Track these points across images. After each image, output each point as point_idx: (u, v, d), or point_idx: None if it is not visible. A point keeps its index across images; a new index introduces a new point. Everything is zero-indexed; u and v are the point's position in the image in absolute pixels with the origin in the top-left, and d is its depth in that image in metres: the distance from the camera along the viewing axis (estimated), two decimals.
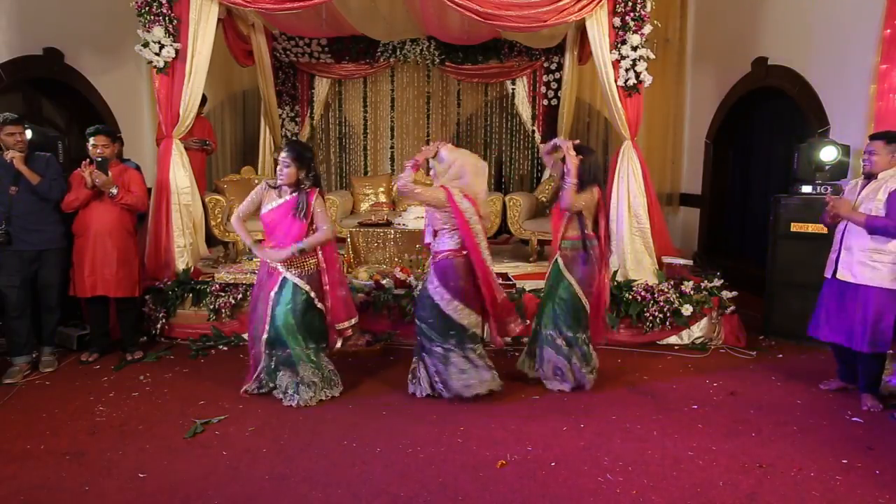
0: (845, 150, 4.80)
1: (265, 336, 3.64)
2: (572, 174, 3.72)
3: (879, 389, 3.82)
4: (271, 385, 3.75)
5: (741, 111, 6.78)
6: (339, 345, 3.85)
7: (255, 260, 5.24)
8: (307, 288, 3.64)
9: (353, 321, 3.90)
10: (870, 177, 3.75)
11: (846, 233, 3.75)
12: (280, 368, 3.69)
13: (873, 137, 3.77)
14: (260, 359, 3.72)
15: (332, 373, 3.83)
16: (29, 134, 4.37)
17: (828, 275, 3.88)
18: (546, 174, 7.34)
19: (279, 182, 3.61)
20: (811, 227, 4.76)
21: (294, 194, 3.62)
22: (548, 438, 3.30)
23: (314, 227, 3.65)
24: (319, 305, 3.71)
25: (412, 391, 3.80)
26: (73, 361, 4.40)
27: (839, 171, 4.84)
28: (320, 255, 3.71)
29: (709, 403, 3.80)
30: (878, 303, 3.61)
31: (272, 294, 3.62)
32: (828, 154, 4.79)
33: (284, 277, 3.60)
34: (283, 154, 3.57)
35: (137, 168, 5.32)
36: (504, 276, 5.13)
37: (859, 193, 3.77)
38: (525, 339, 4.28)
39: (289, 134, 7.48)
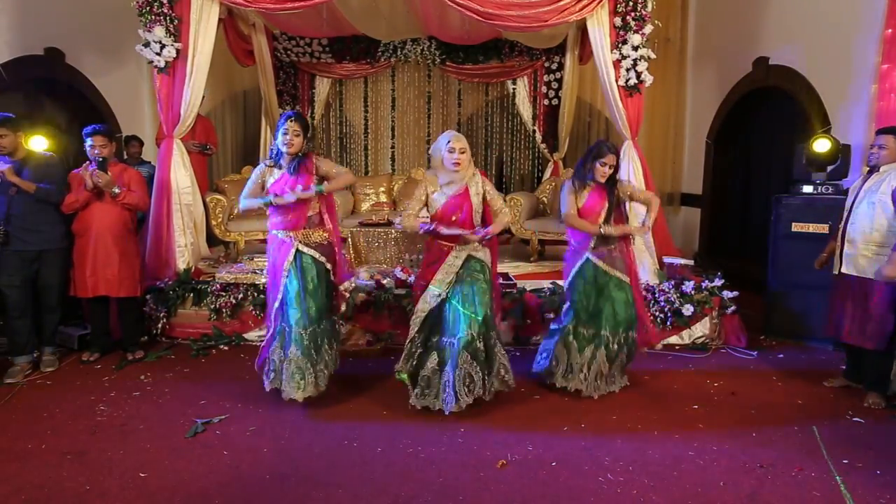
0: (845, 147, 4.80)
1: (276, 306, 3.55)
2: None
3: (887, 389, 3.80)
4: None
5: (742, 111, 6.78)
6: (342, 308, 3.75)
7: (255, 259, 5.25)
8: (323, 259, 3.63)
9: (354, 281, 3.87)
10: (873, 171, 3.74)
11: (849, 225, 3.75)
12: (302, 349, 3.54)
13: (883, 132, 3.75)
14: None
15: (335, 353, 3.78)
16: (39, 145, 4.33)
17: (834, 270, 3.89)
18: (547, 173, 7.34)
19: (286, 151, 3.55)
20: (812, 227, 4.76)
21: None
22: (548, 438, 3.30)
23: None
24: (333, 278, 3.71)
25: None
26: (74, 361, 4.41)
27: (840, 169, 4.83)
28: (328, 223, 3.69)
29: (709, 403, 3.80)
30: (881, 296, 3.61)
31: (286, 265, 3.53)
32: (821, 146, 4.78)
33: (298, 250, 3.55)
34: (291, 124, 3.51)
35: (153, 169, 5.33)
36: (505, 275, 5.13)
37: (861, 187, 3.76)
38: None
39: None
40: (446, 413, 3.44)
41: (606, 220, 3.74)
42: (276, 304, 3.59)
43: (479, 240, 3.51)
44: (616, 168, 3.77)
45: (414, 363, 3.62)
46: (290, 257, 3.55)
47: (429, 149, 7.71)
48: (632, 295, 3.83)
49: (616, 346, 3.83)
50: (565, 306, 3.95)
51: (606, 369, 3.83)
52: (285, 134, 3.52)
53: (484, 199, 3.60)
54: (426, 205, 3.62)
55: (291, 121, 3.54)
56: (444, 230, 3.47)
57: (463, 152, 3.50)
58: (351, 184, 3.62)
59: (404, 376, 3.62)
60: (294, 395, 3.52)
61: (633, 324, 3.84)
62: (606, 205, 3.76)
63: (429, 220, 3.55)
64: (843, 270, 3.77)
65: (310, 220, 3.62)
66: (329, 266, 3.68)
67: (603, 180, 3.73)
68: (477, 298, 3.50)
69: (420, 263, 5.26)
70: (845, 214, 3.84)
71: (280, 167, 3.61)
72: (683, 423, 3.51)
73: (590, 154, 3.77)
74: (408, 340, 3.64)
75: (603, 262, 3.77)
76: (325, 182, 3.60)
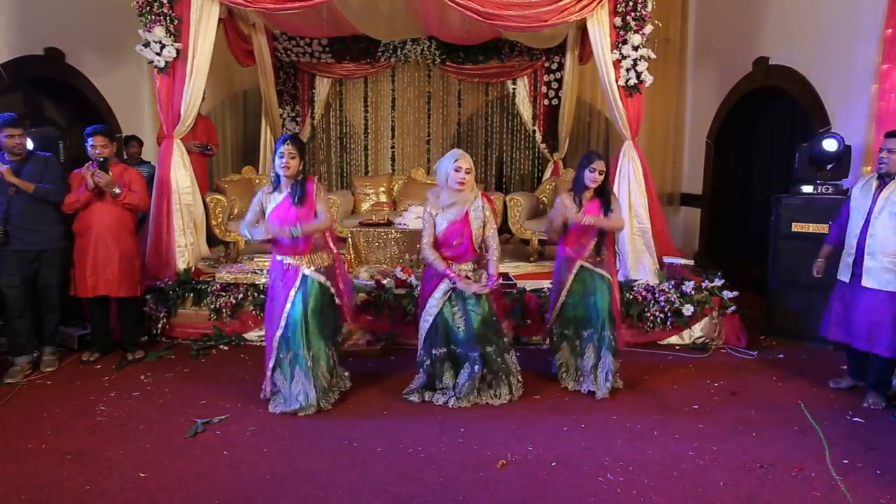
0: (846, 149, 4.79)
1: (280, 334, 3.56)
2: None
3: (888, 390, 3.79)
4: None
5: (742, 111, 6.77)
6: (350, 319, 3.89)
7: (255, 259, 5.26)
8: (328, 284, 3.63)
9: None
10: (884, 177, 3.66)
11: (868, 237, 3.63)
12: (294, 368, 3.59)
13: (891, 135, 3.65)
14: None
15: (341, 373, 3.86)
16: (30, 144, 4.35)
17: (843, 278, 3.81)
18: (547, 173, 7.35)
19: (283, 174, 3.56)
20: (812, 227, 4.76)
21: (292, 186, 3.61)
22: (548, 438, 3.31)
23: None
24: (337, 301, 3.73)
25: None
26: (74, 361, 4.41)
27: (841, 169, 4.83)
28: (332, 246, 3.72)
29: (710, 403, 3.80)
30: None
31: (292, 292, 3.54)
32: (829, 145, 4.75)
33: (304, 275, 3.55)
34: (287, 147, 3.52)
35: (153, 169, 5.34)
36: (505, 275, 5.14)
37: (876, 194, 3.65)
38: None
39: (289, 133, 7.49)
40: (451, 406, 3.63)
41: (600, 235, 3.86)
42: (279, 333, 3.55)
43: (488, 291, 3.63)
44: (607, 176, 3.86)
45: (424, 377, 3.77)
46: (297, 283, 3.55)
47: (429, 149, 7.75)
48: (610, 295, 3.91)
49: (614, 342, 3.87)
50: (551, 314, 4.04)
51: (615, 367, 3.86)
52: (281, 157, 3.52)
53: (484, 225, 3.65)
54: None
55: (287, 143, 3.54)
56: (461, 286, 3.57)
57: (468, 172, 3.55)
58: (326, 230, 3.63)
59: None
60: (295, 410, 3.54)
61: (614, 321, 3.91)
62: (602, 217, 3.85)
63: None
64: (864, 283, 3.65)
65: (315, 245, 3.62)
66: (333, 290, 3.68)
67: (594, 186, 3.82)
68: (475, 309, 3.63)
69: (420, 264, 5.30)
70: (860, 224, 3.69)
71: (280, 191, 3.60)
72: (683, 423, 3.51)
73: (581, 164, 3.89)
74: (418, 357, 3.78)
75: (593, 266, 3.89)
76: (300, 226, 3.51)
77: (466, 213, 3.58)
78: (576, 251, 3.90)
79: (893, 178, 3.62)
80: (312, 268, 3.58)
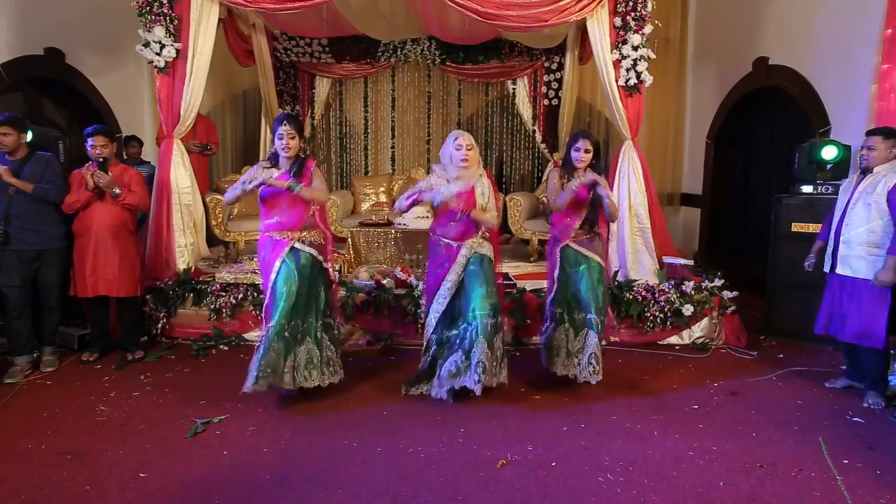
0: (846, 149, 4.80)
1: (266, 303, 3.53)
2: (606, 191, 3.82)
3: (886, 389, 3.80)
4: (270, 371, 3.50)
5: (742, 111, 6.78)
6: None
7: (255, 259, 5.25)
8: (320, 257, 3.61)
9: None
10: (866, 172, 3.76)
11: (844, 226, 3.76)
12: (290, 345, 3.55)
13: (871, 133, 3.78)
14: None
15: (335, 357, 3.77)
16: (29, 135, 4.35)
17: (826, 269, 3.91)
18: (547, 173, 7.35)
19: (284, 155, 3.56)
20: (812, 227, 4.75)
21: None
22: (548, 438, 3.31)
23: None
24: (331, 272, 3.68)
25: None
26: (74, 361, 4.41)
27: (841, 170, 4.84)
28: (325, 228, 3.72)
29: (709, 403, 3.80)
30: (872, 296, 3.63)
31: (277, 262, 3.50)
32: (829, 153, 4.78)
33: (294, 247, 3.52)
34: (285, 127, 3.52)
35: (153, 169, 5.34)
36: (505, 275, 5.14)
37: (855, 188, 3.77)
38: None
39: None
40: (478, 394, 3.49)
41: (588, 215, 3.84)
42: (266, 302, 3.54)
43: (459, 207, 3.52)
44: (596, 156, 3.83)
45: (429, 360, 3.74)
46: (285, 251, 3.52)
47: (429, 149, 7.75)
48: (600, 277, 3.90)
49: (601, 328, 3.84)
50: (550, 296, 4.01)
51: (600, 352, 3.79)
52: (281, 138, 3.53)
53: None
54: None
55: (285, 124, 3.54)
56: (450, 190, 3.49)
57: (470, 149, 3.54)
58: (323, 202, 3.64)
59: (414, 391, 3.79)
60: (254, 387, 3.40)
61: (602, 306, 3.88)
62: (590, 198, 3.84)
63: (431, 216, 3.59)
64: (838, 271, 3.78)
65: (307, 224, 3.60)
66: (326, 264, 3.67)
67: (582, 166, 3.80)
68: (487, 286, 3.59)
69: (419, 263, 5.31)
70: (838, 215, 3.84)
71: (277, 168, 3.60)
72: (684, 423, 3.51)
73: (568, 145, 3.90)
74: (423, 348, 3.75)
75: (583, 248, 3.86)
76: (302, 186, 3.52)
77: (473, 188, 3.57)
78: (561, 232, 3.90)
79: (872, 172, 3.72)
80: (303, 241, 3.55)
